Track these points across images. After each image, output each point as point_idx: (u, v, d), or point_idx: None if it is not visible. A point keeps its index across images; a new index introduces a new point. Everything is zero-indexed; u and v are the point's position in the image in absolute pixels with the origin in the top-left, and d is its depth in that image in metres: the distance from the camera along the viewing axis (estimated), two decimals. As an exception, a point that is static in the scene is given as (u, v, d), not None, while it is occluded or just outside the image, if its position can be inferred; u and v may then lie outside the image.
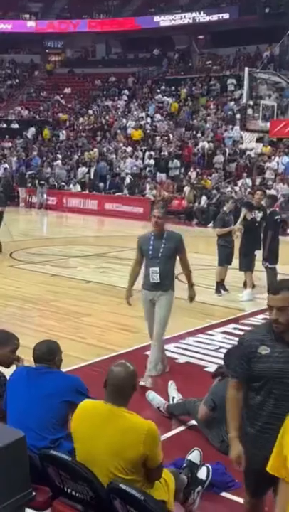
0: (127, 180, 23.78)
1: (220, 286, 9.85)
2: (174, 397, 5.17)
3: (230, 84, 28.69)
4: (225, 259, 9.68)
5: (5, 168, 26.06)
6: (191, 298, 6.28)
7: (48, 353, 3.65)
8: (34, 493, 2.73)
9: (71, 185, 24.67)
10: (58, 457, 2.93)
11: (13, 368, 3.85)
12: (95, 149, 26.74)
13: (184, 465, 3.83)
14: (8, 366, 3.89)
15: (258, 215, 9.55)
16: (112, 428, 2.92)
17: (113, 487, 2.73)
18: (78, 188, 24.43)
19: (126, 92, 32.76)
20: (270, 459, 2.52)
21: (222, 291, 9.79)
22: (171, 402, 5.12)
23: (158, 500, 2.87)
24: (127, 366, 3.09)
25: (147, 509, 2.60)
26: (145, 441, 2.88)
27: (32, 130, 31.01)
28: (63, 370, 3.87)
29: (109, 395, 3.00)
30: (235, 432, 3.07)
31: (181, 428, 4.88)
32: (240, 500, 3.88)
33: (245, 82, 16.46)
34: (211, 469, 3.85)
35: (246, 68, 17.00)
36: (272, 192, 17.45)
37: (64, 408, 3.47)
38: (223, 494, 3.94)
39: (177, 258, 6.06)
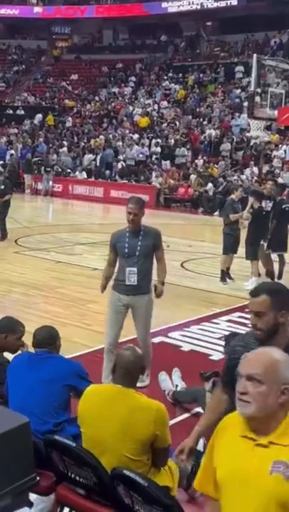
0: (119, 166, 23.74)
1: (225, 274, 9.85)
2: (177, 385, 5.17)
3: (238, 72, 28.48)
4: (230, 248, 9.66)
5: (11, 155, 26.02)
6: (159, 295, 5.51)
7: (49, 337, 3.66)
8: (38, 478, 2.73)
9: (77, 172, 24.61)
10: (62, 443, 2.94)
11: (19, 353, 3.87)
12: (101, 136, 26.64)
13: None
14: (14, 352, 3.93)
15: (269, 205, 9.53)
16: (122, 408, 2.96)
17: (117, 473, 2.74)
18: (84, 175, 24.38)
19: (133, 78, 32.57)
20: (197, 475, 2.37)
21: (227, 280, 9.78)
22: (174, 389, 5.13)
23: (162, 487, 2.87)
24: (135, 350, 3.17)
25: (151, 495, 2.60)
26: (155, 421, 2.91)
27: (38, 116, 30.91)
28: (68, 356, 3.89)
29: (119, 378, 3.05)
30: (200, 426, 2.97)
31: (186, 415, 4.88)
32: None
33: (254, 69, 16.30)
34: None
35: (255, 55, 16.83)
36: (280, 180, 17.36)
37: (66, 392, 3.51)
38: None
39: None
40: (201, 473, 2.32)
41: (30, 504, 3.00)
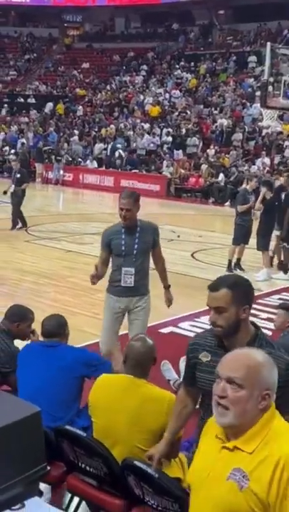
0: (116, 154, 23.69)
1: (235, 265, 9.83)
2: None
3: (251, 61, 28.23)
4: (240, 239, 9.61)
5: (22, 144, 26.00)
6: (170, 301, 5.16)
7: (58, 326, 3.65)
8: (49, 468, 2.73)
9: (88, 162, 24.56)
10: (73, 433, 2.93)
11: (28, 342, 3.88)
12: (112, 126, 26.54)
13: None
14: (24, 339, 3.96)
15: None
16: (134, 398, 2.95)
17: (127, 464, 2.73)
18: (95, 164, 24.32)
19: (144, 67, 32.38)
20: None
21: (238, 270, 9.76)
22: (181, 379, 5.10)
23: (172, 478, 2.86)
24: (146, 340, 3.14)
25: (161, 486, 2.60)
26: (168, 412, 2.90)
27: (50, 105, 30.84)
28: (78, 345, 3.88)
29: (130, 369, 3.04)
30: (168, 434, 2.81)
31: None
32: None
33: (267, 58, 16.08)
34: None
35: (268, 43, 16.60)
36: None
37: (77, 383, 3.49)
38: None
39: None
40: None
41: (40, 493, 3.01)
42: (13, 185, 12.69)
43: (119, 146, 24.44)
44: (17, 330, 3.84)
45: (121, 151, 23.86)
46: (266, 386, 1.92)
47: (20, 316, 3.89)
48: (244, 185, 10.11)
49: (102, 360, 3.79)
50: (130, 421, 2.91)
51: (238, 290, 2.52)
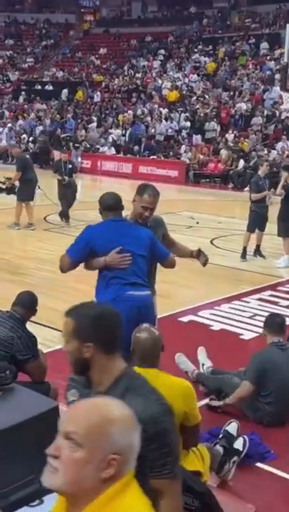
0: (110, 139, 23.59)
1: (256, 252, 9.75)
2: (203, 364, 5.08)
3: (270, 43, 27.79)
4: (255, 225, 9.49)
5: (42, 132, 25.93)
6: (206, 261, 4.92)
7: (119, 201, 4.00)
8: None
9: (106, 148, 24.46)
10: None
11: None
12: (130, 111, 26.37)
13: (221, 435, 3.78)
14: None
15: None
16: None
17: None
18: (113, 150, 24.21)
19: (162, 51, 32.06)
20: None
21: (258, 257, 9.66)
22: (201, 369, 5.04)
23: (191, 472, 2.82)
24: (152, 331, 3.12)
25: (182, 483, 2.55)
26: (184, 398, 2.90)
27: (66, 92, 30.69)
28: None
29: (141, 361, 3.02)
30: None
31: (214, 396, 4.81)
32: (276, 470, 3.84)
33: (287, 40, 15.80)
34: (247, 440, 3.79)
35: (288, 25, 16.31)
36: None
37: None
38: (258, 465, 3.89)
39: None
40: None
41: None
42: (66, 177, 12.18)
43: (138, 132, 24.29)
44: (29, 315, 3.91)
45: (113, 135, 23.86)
46: (114, 449, 1.47)
47: (35, 302, 3.98)
48: (259, 172, 9.95)
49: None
50: None
51: (81, 322, 2.14)
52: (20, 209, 11.65)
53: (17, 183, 11.98)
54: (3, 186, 12.06)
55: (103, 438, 1.47)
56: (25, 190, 11.54)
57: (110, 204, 4.03)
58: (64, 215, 12.32)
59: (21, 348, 3.61)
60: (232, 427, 3.83)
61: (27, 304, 3.88)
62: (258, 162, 10.34)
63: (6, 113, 30.11)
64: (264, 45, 28.22)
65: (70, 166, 12.46)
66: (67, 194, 12.32)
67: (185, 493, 2.55)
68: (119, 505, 1.45)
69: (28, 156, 12.69)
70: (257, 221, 9.43)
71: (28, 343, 3.65)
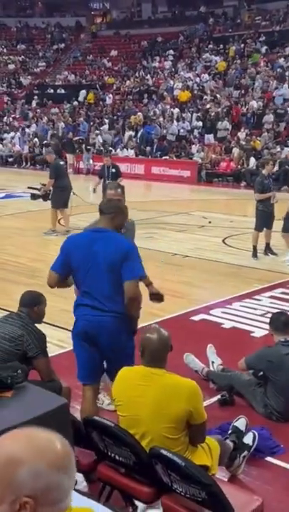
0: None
1: (267, 250, 9.79)
2: (213, 362, 5.15)
3: (281, 40, 27.70)
4: (262, 224, 9.52)
5: (53, 135, 26.12)
6: (158, 297, 4.57)
7: (112, 207, 3.89)
8: (78, 458, 2.80)
9: (118, 150, 24.56)
10: (101, 423, 3.00)
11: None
12: (139, 113, 26.44)
13: (230, 431, 3.85)
14: (40, 322, 4.07)
15: None
16: (155, 387, 3.01)
17: (154, 453, 2.78)
18: (126, 152, 24.31)
19: (172, 52, 32.11)
20: None
21: (269, 255, 9.70)
22: (211, 366, 5.11)
23: (199, 466, 2.90)
24: (161, 332, 3.17)
25: (188, 474, 2.64)
26: (188, 397, 2.95)
27: (79, 94, 30.87)
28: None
29: (149, 361, 3.10)
30: None
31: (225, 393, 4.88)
32: (285, 464, 3.90)
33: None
34: (257, 435, 3.86)
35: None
36: None
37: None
38: (268, 459, 3.96)
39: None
40: None
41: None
42: (107, 182, 11.70)
43: (150, 133, 24.35)
44: (37, 313, 3.96)
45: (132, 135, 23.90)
46: (27, 490, 1.29)
47: (36, 298, 4.01)
48: (263, 170, 9.94)
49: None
50: (153, 411, 2.97)
51: None
52: (55, 216, 11.58)
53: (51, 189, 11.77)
54: (40, 193, 11.83)
55: (10, 478, 1.29)
56: (59, 197, 11.43)
57: (101, 207, 3.95)
58: None
59: (31, 345, 3.72)
60: (240, 423, 3.91)
61: (27, 302, 3.98)
62: (261, 161, 10.31)
63: (30, 114, 30.40)
64: (274, 42, 28.13)
65: (114, 170, 12.19)
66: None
67: (192, 485, 2.64)
68: None
69: (62, 163, 12.49)
70: (264, 220, 9.46)
71: (38, 340, 3.76)
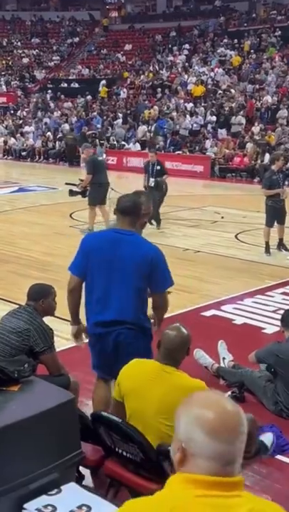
0: (139, 134, 23.15)
1: (281, 246, 9.72)
2: (224, 358, 5.10)
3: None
4: (273, 220, 9.44)
5: (71, 129, 26.07)
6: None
7: (135, 206, 3.68)
8: (85, 453, 2.78)
9: (130, 144, 24.50)
10: (109, 419, 2.97)
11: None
12: (155, 107, 26.35)
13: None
14: (53, 314, 4.06)
15: None
16: (162, 386, 2.98)
17: (162, 449, 2.75)
18: (138, 147, 24.23)
19: (187, 46, 31.93)
20: None
21: (283, 251, 9.62)
22: (222, 363, 5.07)
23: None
24: (182, 331, 3.13)
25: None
26: None
27: (92, 89, 30.82)
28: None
29: (163, 357, 3.07)
30: None
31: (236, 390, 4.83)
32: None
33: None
34: (274, 442, 3.81)
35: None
36: None
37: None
38: (278, 457, 3.91)
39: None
40: None
41: (81, 477, 3.07)
42: (152, 179, 11.52)
43: (164, 127, 24.27)
44: (43, 307, 3.91)
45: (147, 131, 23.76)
46: (179, 437, 1.47)
47: (42, 292, 3.96)
48: (272, 166, 9.84)
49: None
50: (157, 409, 2.93)
51: None
52: (93, 214, 11.08)
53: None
54: (78, 189, 11.35)
55: (176, 424, 1.50)
56: (96, 194, 10.95)
57: (121, 207, 3.68)
58: (153, 219, 11.12)
59: (38, 340, 3.68)
60: (267, 439, 3.85)
61: (34, 295, 3.94)
62: (274, 156, 10.19)
63: (52, 105, 30.38)
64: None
65: (159, 167, 11.68)
66: (154, 196, 10.99)
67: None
68: (160, 495, 1.44)
69: (100, 159, 11.89)
70: (274, 215, 9.39)
71: (45, 335, 3.72)
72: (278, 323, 6.15)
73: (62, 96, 31.08)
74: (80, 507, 2.41)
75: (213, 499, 1.35)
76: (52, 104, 30.76)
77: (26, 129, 27.83)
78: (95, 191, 10.97)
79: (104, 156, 23.87)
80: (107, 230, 3.93)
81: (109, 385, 3.84)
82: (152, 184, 11.42)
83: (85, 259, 3.63)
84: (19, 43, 37.74)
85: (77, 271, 3.69)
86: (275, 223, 9.49)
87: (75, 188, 11.30)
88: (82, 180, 11.38)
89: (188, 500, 1.36)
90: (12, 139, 27.34)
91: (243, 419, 1.44)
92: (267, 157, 20.03)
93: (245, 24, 31.70)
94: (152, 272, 3.49)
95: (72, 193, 11.31)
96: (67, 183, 11.98)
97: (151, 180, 11.47)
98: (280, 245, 9.69)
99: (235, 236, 11.00)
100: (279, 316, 6.35)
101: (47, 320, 4.00)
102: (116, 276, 3.49)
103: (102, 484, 3.16)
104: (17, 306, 4.36)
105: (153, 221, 11.18)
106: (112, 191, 10.82)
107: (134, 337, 3.56)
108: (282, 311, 6.43)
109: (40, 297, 3.91)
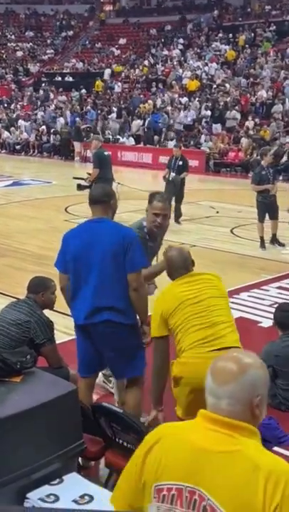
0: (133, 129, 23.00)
1: (274, 241, 9.76)
2: None
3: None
4: (263, 215, 9.50)
5: (66, 123, 25.99)
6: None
7: (105, 194, 3.76)
8: (86, 445, 2.80)
9: (124, 139, 24.46)
10: (109, 409, 2.99)
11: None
12: (150, 101, 26.32)
13: None
14: (52, 307, 4.08)
15: None
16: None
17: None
18: (132, 141, 24.20)
19: (181, 40, 31.88)
20: None
21: (277, 246, 9.66)
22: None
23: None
24: (182, 251, 3.68)
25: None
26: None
27: (87, 83, 30.74)
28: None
29: (175, 276, 3.56)
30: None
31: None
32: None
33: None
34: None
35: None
36: None
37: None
38: (275, 449, 3.94)
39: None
40: None
41: (81, 468, 3.10)
42: (172, 173, 11.45)
43: (158, 121, 24.24)
44: (43, 300, 3.92)
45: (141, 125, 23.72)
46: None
47: (41, 285, 3.97)
48: (262, 162, 9.87)
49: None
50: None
51: None
52: None
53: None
54: (86, 183, 11.08)
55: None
56: None
57: (91, 197, 3.76)
58: (175, 215, 11.05)
59: (38, 332, 3.70)
60: None
61: (34, 288, 3.96)
62: (260, 152, 10.25)
63: (51, 95, 30.28)
64: (285, 31, 27.88)
65: (181, 162, 11.48)
66: (171, 192, 10.88)
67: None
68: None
69: (106, 154, 11.56)
70: (264, 210, 9.46)
71: (45, 327, 3.74)
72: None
73: (60, 89, 30.94)
74: (82, 496, 2.44)
75: None
76: (51, 95, 30.58)
77: (22, 122, 27.71)
78: None
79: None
80: (82, 222, 3.88)
81: (90, 386, 3.83)
82: (172, 179, 11.41)
83: (65, 254, 3.64)
84: (13, 36, 37.57)
85: (62, 267, 3.69)
86: (268, 218, 9.53)
87: (83, 183, 11.16)
88: (89, 174, 11.26)
89: None
90: (6, 132, 27.24)
91: None
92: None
93: (240, 19, 31.68)
94: (127, 251, 3.49)
95: (80, 187, 11.13)
96: (75, 178, 11.91)
97: (172, 174, 11.43)
98: (274, 240, 9.73)
99: (231, 230, 11.03)
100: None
101: (45, 313, 4.01)
102: (96, 264, 3.50)
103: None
104: (13, 299, 4.38)
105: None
106: (119, 185, 10.74)
107: (118, 323, 3.53)
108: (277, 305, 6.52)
109: (40, 290, 3.93)
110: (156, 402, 3.53)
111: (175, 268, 3.58)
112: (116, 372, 3.84)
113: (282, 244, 9.68)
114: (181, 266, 3.55)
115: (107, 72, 30.82)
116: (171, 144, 19.79)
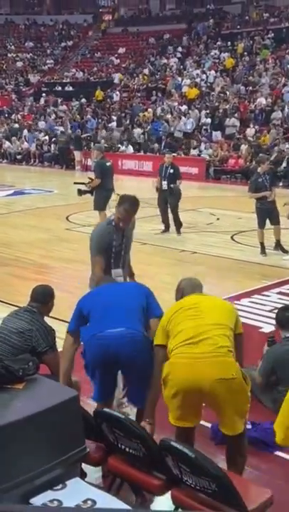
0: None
1: (278, 247, 9.77)
2: None
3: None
4: (263, 221, 9.51)
5: (62, 132, 26.10)
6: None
7: (42, 294, 4.06)
8: (88, 450, 2.83)
9: (123, 147, 24.53)
10: (112, 415, 3.01)
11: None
12: (150, 109, 26.43)
13: None
14: (48, 315, 4.15)
15: None
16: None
17: (165, 444, 2.79)
18: (131, 149, 24.26)
19: (180, 49, 32.03)
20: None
21: (273, 251, 9.70)
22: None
23: (209, 457, 2.91)
24: (193, 278, 4.02)
25: (198, 466, 2.65)
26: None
27: (87, 92, 30.84)
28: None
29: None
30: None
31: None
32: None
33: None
34: None
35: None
36: None
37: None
38: (277, 453, 3.97)
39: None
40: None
41: (83, 474, 3.12)
42: (164, 182, 11.25)
43: (158, 130, 24.32)
44: (48, 309, 4.01)
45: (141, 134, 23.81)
46: None
47: (49, 294, 4.06)
48: (258, 169, 9.89)
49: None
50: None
51: None
52: (103, 218, 10.50)
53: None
54: (87, 188, 11.02)
55: None
56: (99, 199, 10.79)
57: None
58: (174, 225, 11.23)
59: (40, 340, 3.74)
60: None
61: (40, 297, 4.00)
62: (257, 159, 10.27)
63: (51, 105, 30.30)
64: (283, 39, 28.03)
65: (172, 170, 11.30)
66: (166, 201, 11.20)
67: (202, 477, 2.66)
68: None
69: (108, 164, 11.36)
70: (263, 217, 9.48)
71: (47, 335, 3.78)
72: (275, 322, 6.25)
73: (61, 99, 31.06)
74: (85, 501, 2.47)
75: None
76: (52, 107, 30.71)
77: (26, 132, 27.77)
78: (99, 196, 10.83)
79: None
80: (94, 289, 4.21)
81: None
82: (165, 187, 11.19)
83: (80, 316, 3.72)
84: (13, 47, 37.77)
85: (73, 327, 3.75)
86: (269, 224, 9.56)
87: (83, 187, 11.13)
88: (90, 179, 11.20)
89: None
90: (7, 142, 27.34)
91: None
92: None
93: (238, 26, 31.83)
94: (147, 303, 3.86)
95: (80, 192, 11.12)
96: (75, 183, 11.92)
97: (164, 183, 11.21)
98: (278, 246, 9.72)
99: (231, 237, 11.07)
100: (276, 316, 6.45)
101: (47, 321, 4.06)
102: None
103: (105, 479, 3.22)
104: (14, 307, 4.41)
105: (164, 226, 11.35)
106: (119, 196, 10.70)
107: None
108: (278, 311, 6.54)
109: (48, 300, 3.98)
110: (147, 414, 3.42)
111: (184, 295, 3.72)
112: (134, 399, 3.70)
113: (286, 251, 9.65)
114: (189, 292, 3.71)
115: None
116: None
